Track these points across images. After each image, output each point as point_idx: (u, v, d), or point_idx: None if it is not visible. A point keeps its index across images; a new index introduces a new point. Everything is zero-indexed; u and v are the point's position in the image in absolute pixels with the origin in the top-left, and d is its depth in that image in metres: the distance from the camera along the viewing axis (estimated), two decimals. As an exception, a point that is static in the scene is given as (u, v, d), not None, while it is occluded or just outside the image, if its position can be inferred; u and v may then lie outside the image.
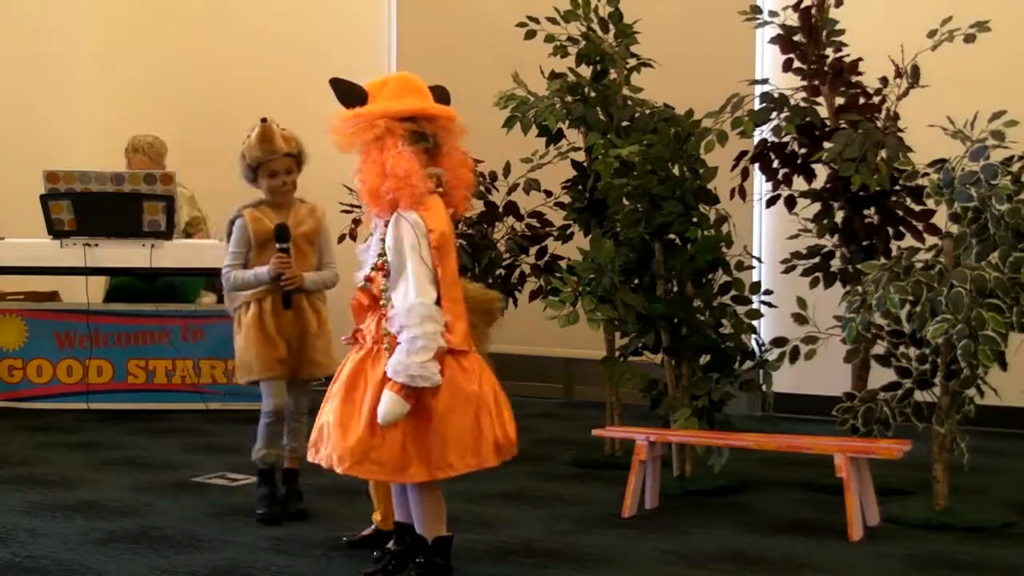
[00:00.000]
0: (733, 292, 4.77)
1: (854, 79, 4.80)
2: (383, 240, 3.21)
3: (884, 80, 4.71)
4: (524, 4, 5.30)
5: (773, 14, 4.91)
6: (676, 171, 4.73)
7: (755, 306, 4.81)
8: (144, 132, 6.70)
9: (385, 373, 3.14)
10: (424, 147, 3.22)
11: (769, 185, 4.94)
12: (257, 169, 4.30)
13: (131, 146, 6.61)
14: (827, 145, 4.59)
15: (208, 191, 6.93)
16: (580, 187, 5.24)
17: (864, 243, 4.76)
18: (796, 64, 4.86)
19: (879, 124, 4.66)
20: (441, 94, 3.34)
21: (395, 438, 3.17)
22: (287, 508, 4.22)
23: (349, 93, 3.27)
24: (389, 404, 3.12)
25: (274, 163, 4.28)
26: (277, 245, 4.18)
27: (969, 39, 4.52)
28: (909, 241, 4.56)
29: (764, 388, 4.68)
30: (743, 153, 4.89)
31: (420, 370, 3.09)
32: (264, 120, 4.29)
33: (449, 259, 3.19)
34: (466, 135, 3.35)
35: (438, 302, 3.14)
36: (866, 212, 4.74)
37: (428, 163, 3.24)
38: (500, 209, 5.48)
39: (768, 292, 4.86)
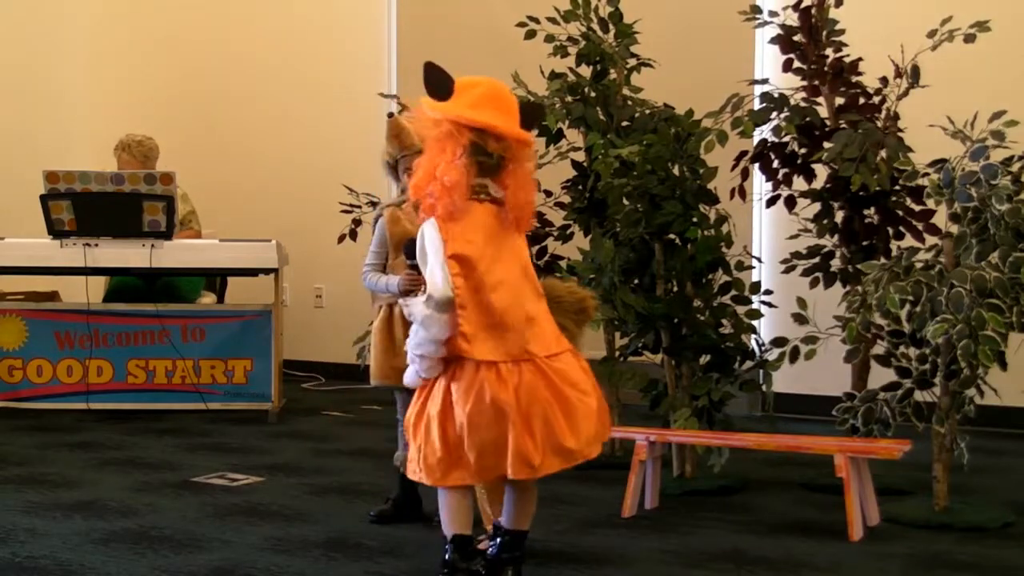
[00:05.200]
0: (733, 292, 4.76)
1: (854, 79, 4.80)
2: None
3: (884, 80, 4.72)
4: (524, 4, 5.30)
5: (773, 14, 4.91)
6: (676, 171, 4.73)
7: (755, 306, 4.81)
8: (142, 132, 6.70)
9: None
10: (484, 161, 3.17)
11: (769, 185, 4.94)
12: (396, 166, 4.05)
13: (119, 144, 6.60)
14: (827, 145, 4.59)
15: (207, 190, 6.95)
16: (580, 187, 5.24)
17: (864, 243, 4.76)
18: (796, 64, 4.86)
19: (879, 124, 4.66)
20: (533, 112, 3.30)
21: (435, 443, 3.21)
22: (400, 510, 4.20)
23: (436, 82, 3.19)
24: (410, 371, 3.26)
25: (410, 159, 3.89)
26: (407, 261, 3.84)
27: (969, 39, 4.52)
28: (909, 241, 4.56)
29: (764, 388, 4.69)
30: (743, 153, 4.89)
31: (412, 369, 3.19)
32: (390, 115, 4.05)
33: (476, 270, 3.13)
34: (535, 160, 3.34)
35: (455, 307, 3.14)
36: (866, 212, 4.74)
37: (485, 176, 3.20)
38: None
39: (768, 292, 4.86)
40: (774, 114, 4.77)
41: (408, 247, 3.82)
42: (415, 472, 3.26)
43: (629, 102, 5.15)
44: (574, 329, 3.52)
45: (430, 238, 3.16)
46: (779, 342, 4.57)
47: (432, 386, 3.22)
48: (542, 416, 3.13)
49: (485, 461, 3.15)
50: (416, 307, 3.18)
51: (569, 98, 5.12)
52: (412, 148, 3.89)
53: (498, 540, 3.37)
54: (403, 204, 4.00)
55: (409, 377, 3.29)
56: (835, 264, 4.85)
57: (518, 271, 3.23)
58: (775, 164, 4.86)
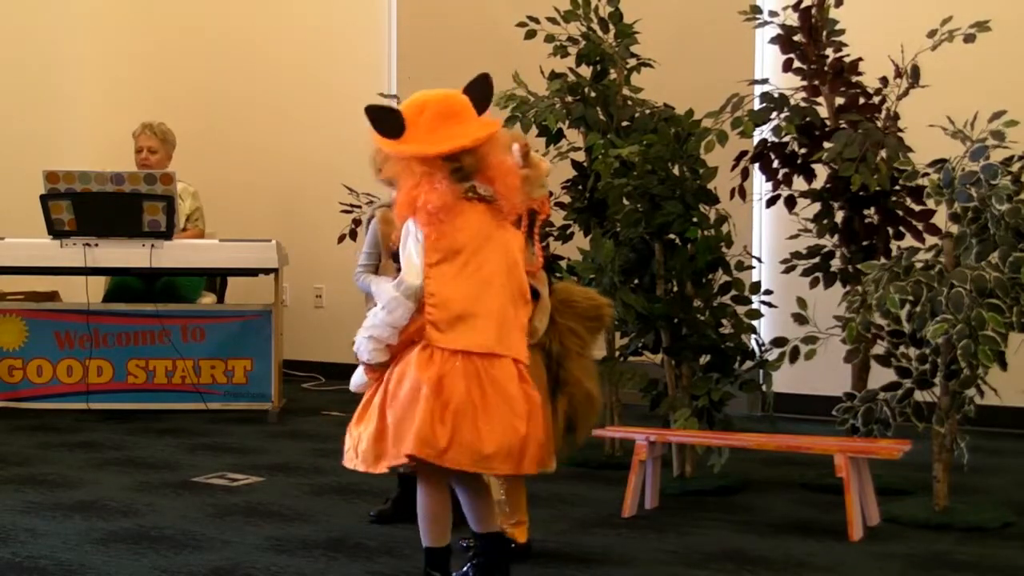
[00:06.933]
0: (733, 292, 4.76)
1: (854, 79, 4.80)
2: None
3: (884, 80, 4.72)
4: (524, 4, 5.30)
5: (773, 14, 4.91)
6: (676, 171, 4.73)
7: (755, 306, 4.81)
8: None
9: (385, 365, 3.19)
10: (464, 173, 3.15)
11: (769, 185, 4.94)
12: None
13: (140, 126, 6.65)
14: (827, 145, 4.59)
15: (207, 190, 6.95)
16: (580, 187, 5.24)
17: (864, 243, 4.76)
18: (796, 64, 4.86)
19: (879, 124, 4.66)
20: (480, 87, 3.21)
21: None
22: (400, 510, 4.18)
23: (385, 123, 3.15)
24: (357, 374, 3.27)
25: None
26: (394, 265, 3.78)
27: (969, 39, 4.52)
28: (909, 241, 4.56)
29: (764, 388, 4.68)
30: (743, 153, 4.89)
31: (363, 344, 3.16)
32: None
33: (454, 263, 3.12)
34: (504, 139, 3.28)
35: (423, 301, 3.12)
36: (866, 212, 4.74)
37: (469, 180, 3.17)
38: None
39: (768, 292, 4.86)
40: (774, 114, 4.77)
41: (397, 254, 3.82)
42: (351, 460, 3.22)
43: (629, 102, 5.15)
44: (586, 336, 3.50)
45: (411, 228, 3.16)
46: (779, 342, 4.57)
47: (382, 380, 3.20)
48: (456, 412, 3.07)
49: (398, 434, 3.09)
50: (384, 287, 3.18)
51: (569, 98, 5.12)
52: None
53: (479, 546, 3.36)
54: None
55: (356, 379, 3.27)
56: (835, 264, 4.85)
57: (503, 270, 3.19)
58: (775, 164, 4.86)
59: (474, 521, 3.32)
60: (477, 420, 3.09)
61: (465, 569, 3.39)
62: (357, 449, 3.21)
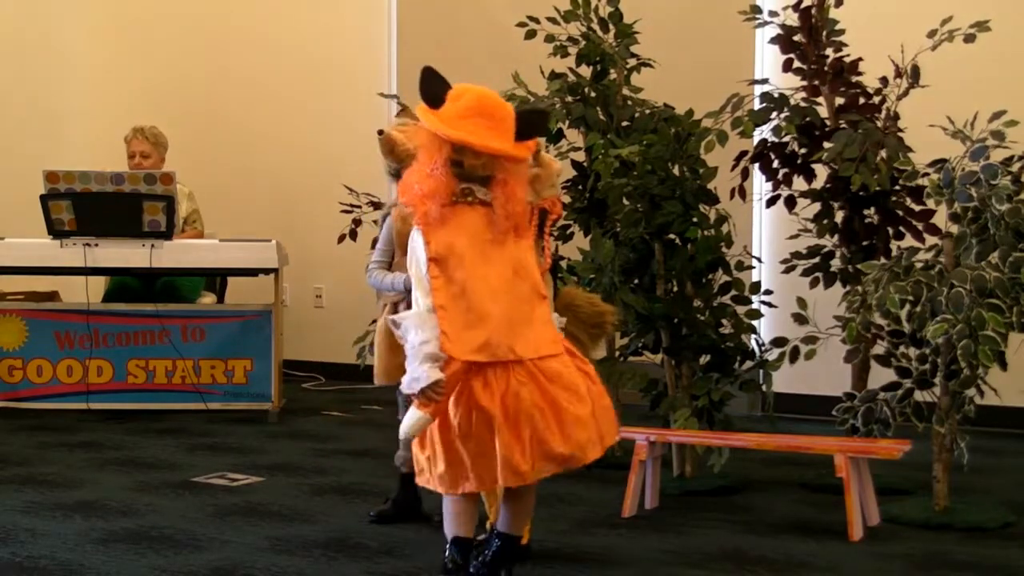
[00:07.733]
0: (733, 292, 4.77)
1: (854, 79, 4.80)
2: None
3: (884, 80, 4.72)
4: (524, 4, 5.30)
5: (773, 14, 4.91)
6: (676, 171, 4.73)
7: (755, 306, 4.81)
8: None
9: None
10: (466, 171, 3.14)
11: (769, 185, 4.94)
12: (399, 175, 4.08)
13: (131, 131, 6.64)
14: (827, 145, 4.60)
15: (207, 190, 6.95)
16: (580, 187, 5.24)
17: (864, 243, 4.77)
18: (796, 64, 4.86)
19: (879, 124, 4.66)
20: (534, 119, 3.22)
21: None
22: (400, 510, 4.20)
23: (430, 90, 3.15)
24: (407, 416, 3.18)
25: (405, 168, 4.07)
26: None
27: (969, 39, 4.52)
28: (909, 241, 4.56)
29: (764, 388, 4.69)
30: (743, 153, 4.89)
31: (412, 373, 3.09)
32: (380, 132, 3.99)
33: (456, 272, 3.11)
34: (525, 171, 3.23)
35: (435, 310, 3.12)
36: (866, 212, 4.74)
37: (471, 181, 3.16)
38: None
39: (768, 292, 4.86)
40: (774, 114, 4.77)
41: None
42: (428, 481, 3.24)
43: (629, 102, 5.15)
44: (586, 341, 3.48)
45: (412, 247, 3.18)
46: (779, 342, 4.57)
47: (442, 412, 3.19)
48: (530, 422, 3.09)
49: (479, 469, 3.14)
50: (405, 314, 3.19)
51: (569, 98, 5.12)
52: (410, 157, 3.88)
53: (493, 543, 3.37)
54: None
55: (407, 423, 3.21)
56: (835, 264, 4.85)
57: (508, 272, 3.17)
58: (775, 164, 4.86)
59: (505, 519, 3.34)
60: (550, 425, 3.11)
61: (472, 566, 3.39)
62: (432, 472, 3.22)
